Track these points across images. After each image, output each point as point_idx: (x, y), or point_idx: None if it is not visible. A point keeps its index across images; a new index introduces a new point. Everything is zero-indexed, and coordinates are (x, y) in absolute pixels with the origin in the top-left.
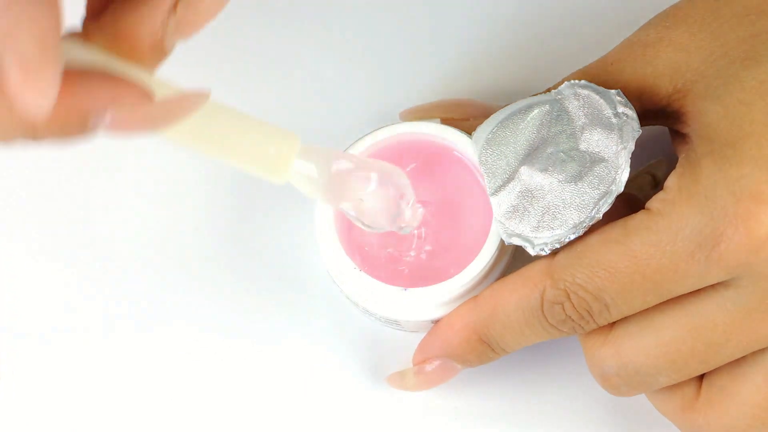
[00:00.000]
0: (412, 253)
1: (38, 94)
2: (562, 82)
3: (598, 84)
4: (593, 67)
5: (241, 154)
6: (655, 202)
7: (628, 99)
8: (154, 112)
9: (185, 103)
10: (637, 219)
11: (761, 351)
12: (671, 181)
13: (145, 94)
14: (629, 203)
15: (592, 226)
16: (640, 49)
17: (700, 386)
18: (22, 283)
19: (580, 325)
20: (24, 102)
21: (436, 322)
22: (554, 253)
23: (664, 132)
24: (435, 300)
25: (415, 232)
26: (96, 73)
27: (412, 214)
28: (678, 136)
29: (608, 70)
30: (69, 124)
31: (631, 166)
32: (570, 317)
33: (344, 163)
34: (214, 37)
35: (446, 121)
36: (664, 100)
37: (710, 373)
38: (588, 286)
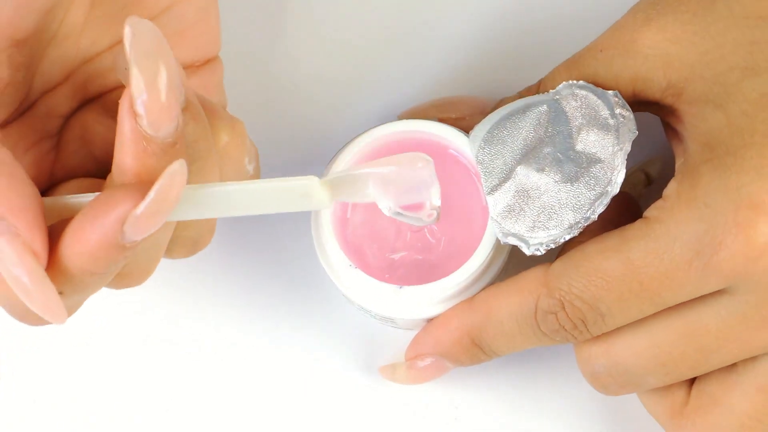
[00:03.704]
0: (408, 251)
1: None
2: (553, 74)
3: (589, 71)
4: (582, 55)
5: (276, 210)
6: (653, 210)
7: (620, 88)
8: (157, 198)
9: (174, 176)
10: (635, 227)
11: (752, 359)
12: (670, 189)
13: (137, 191)
14: (622, 201)
15: (590, 234)
16: (629, 34)
17: (689, 392)
18: None
19: (573, 335)
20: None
21: (430, 320)
22: (550, 260)
23: (658, 130)
24: (430, 298)
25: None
26: (88, 210)
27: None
28: (670, 128)
29: (598, 58)
30: (99, 259)
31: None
32: (563, 327)
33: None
34: None
35: (443, 121)
36: (657, 93)
37: (700, 379)
38: (584, 295)
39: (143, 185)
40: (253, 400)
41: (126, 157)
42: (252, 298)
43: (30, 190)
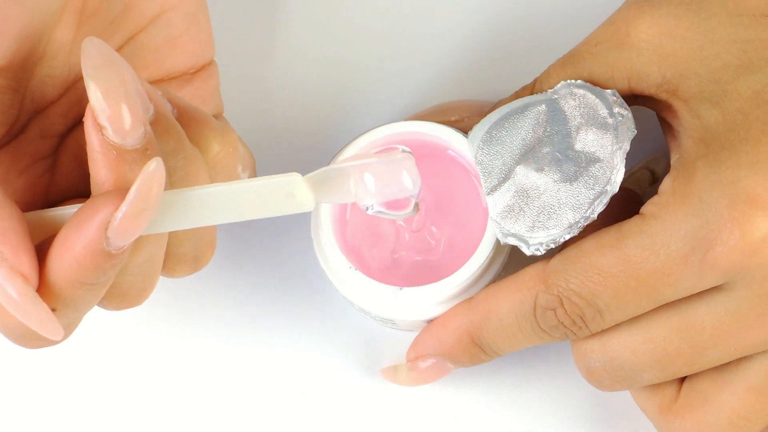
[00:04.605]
0: (407, 252)
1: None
2: (548, 71)
3: (584, 66)
4: (578, 51)
5: (261, 213)
6: (649, 206)
7: (616, 81)
8: (137, 197)
9: (152, 174)
10: (631, 223)
11: (746, 359)
12: (665, 185)
13: (118, 195)
14: (628, 199)
15: (587, 229)
16: (623, 27)
17: (680, 389)
18: None
19: (572, 331)
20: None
21: (431, 321)
22: (548, 257)
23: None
24: (430, 299)
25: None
26: (72, 219)
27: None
28: (665, 123)
29: (593, 52)
30: (86, 268)
31: (629, 162)
32: (562, 323)
33: (353, 169)
34: (215, 38)
35: (442, 123)
36: (652, 88)
37: (692, 377)
38: (581, 292)
39: (124, 191)
40: (253, 401)
41: (100, 170)
42: (252, 300)
43: (12, 212)
